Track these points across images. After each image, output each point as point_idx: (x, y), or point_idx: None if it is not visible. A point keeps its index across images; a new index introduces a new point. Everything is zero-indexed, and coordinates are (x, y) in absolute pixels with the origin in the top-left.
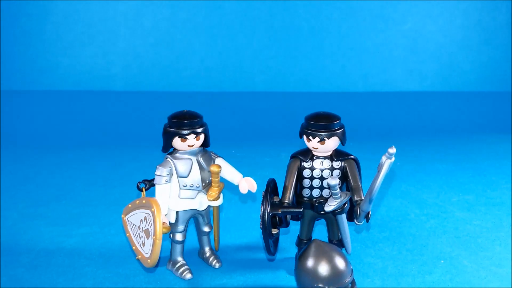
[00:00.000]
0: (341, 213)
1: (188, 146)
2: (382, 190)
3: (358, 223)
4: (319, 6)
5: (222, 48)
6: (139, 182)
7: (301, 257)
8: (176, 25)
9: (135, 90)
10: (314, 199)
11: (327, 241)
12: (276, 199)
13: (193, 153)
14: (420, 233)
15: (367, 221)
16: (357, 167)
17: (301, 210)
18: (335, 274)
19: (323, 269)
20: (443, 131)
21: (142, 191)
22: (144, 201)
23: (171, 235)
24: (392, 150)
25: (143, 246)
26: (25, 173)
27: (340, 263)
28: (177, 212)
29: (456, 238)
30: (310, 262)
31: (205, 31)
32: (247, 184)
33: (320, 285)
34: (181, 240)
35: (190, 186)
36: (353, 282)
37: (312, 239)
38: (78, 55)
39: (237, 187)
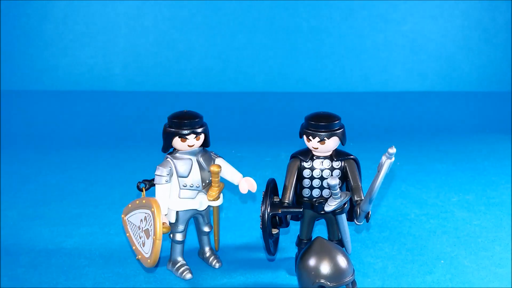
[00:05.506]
0: (341, 213)
1: (188, 146)
2: (382, 190)
3: (358, 223)
4: (319, 6)
5: (222, 48)
6: (139, 182)
7: (303, 253)
8: (176, 25)
9: (135, 90)
10: (314, 199)
11: None
12: (276, 199)
13: (193, 153)
14: (420, 233)
15: (367, 221)
16: (357, 167)
17: (301, 210)
18: (337, 271)
19: (325, 266)
20: (443, 131)
21: (142, 191)
22: (144, 201)
23: (171, 235)
24: (392, 150)
25: (143, 246)
26: (25, 173)
27: (342, 261)
28: (177, 212)
29: (456, 238)
30: (312, 259)
31: (205, 31)
32: (247, 184)
33: (322, 281)
34: (181, 240)
35: (190, 186)
36: (353, 282)
37: (314, 237)
38: (78, 55)
39: (237, 187)
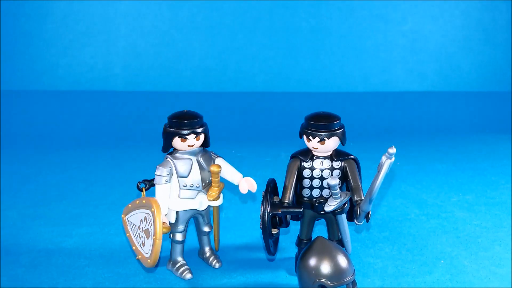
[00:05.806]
0: (341, 213)
1: (188, 146)
2: (382, 190)
3: (358, 223)
4: (319, 6)
5: (222, 48)
6: (139, 182)
7: (304, 253)
8: (176, 25)
9: (135, 90)
10: (314, 199)
11: None
12: (276, 199)
13: (193, 153)
14: (420, 233)
15: (367, 221)
16: (357, 167)
17: (301, 210)
18: (337, 271)
19: (326, 265)
20: (443, 131)
21: (142, 191)
22: (144, 201)
23: (171, 235)
24: (392, 150)
25: (143, 246)
26: (25, 173)
27: (342, 260)
28: (177, 212)
29: (456, 238)
30: (313, 258)
31: (205, 31)
32: (247, 184)
33: (322, 280)
34: (181, 240)
35: (190, 186)
36: (353, 282)
37: (314, 237)
38: (78, 55)
39: (237, 187)
